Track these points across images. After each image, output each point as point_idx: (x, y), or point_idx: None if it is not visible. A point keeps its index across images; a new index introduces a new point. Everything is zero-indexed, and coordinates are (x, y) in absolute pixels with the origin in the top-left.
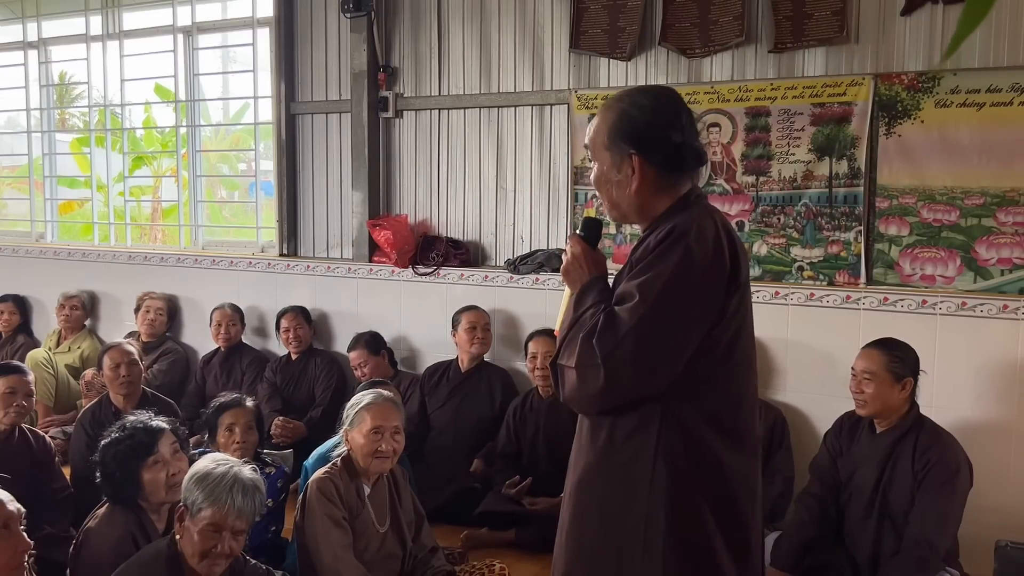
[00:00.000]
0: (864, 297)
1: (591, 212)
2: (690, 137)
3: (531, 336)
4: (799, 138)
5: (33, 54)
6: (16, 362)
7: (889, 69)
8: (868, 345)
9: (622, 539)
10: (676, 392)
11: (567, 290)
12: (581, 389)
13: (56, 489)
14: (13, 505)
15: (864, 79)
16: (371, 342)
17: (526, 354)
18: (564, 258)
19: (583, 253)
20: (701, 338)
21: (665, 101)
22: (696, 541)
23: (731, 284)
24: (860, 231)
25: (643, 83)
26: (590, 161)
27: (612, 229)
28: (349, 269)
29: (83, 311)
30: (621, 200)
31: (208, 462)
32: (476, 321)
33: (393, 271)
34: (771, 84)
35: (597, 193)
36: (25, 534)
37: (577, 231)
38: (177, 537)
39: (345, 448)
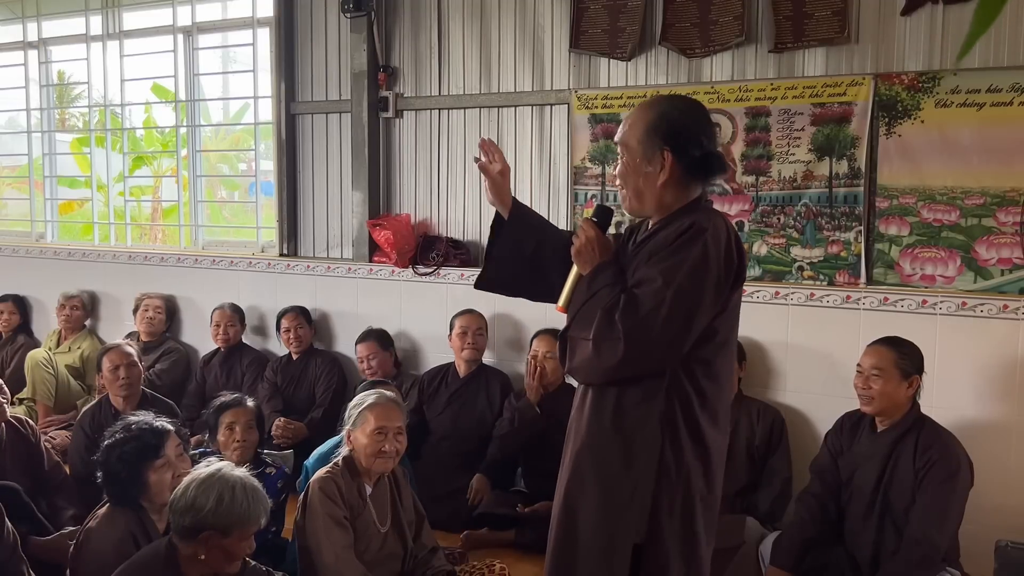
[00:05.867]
0: (864, 297)
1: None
2: (715, 147)
3: (536, 334)
4: (799, 138)
5: (33, 54)
6: None
7: (889, 69)
8: (875, 342)
9: (619, 499)
10: (678, 370)
11: (574, 269)
12: (596, 360)
13: (51, 469)
14: None
15: (864, 79)
16: (381, 337)
17: (530, 349)
18: (576, 240)
19: (597, 237)
20: (706, 324)
21: (701, 111)
22: (684, 503)
23: (736, 280)
24: (860, 231)
25: (643, 83)
26: (613, 162)
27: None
28: (349, 269)
29: (83, 311)
30: (646, 190)
31: (220, 483)
32: (467, 326)
33: (393, 271)
34: (771, 84)
35: (622, 184)
36: None
37: (591, 217)
38: (201, 557)
39: (346, 448)
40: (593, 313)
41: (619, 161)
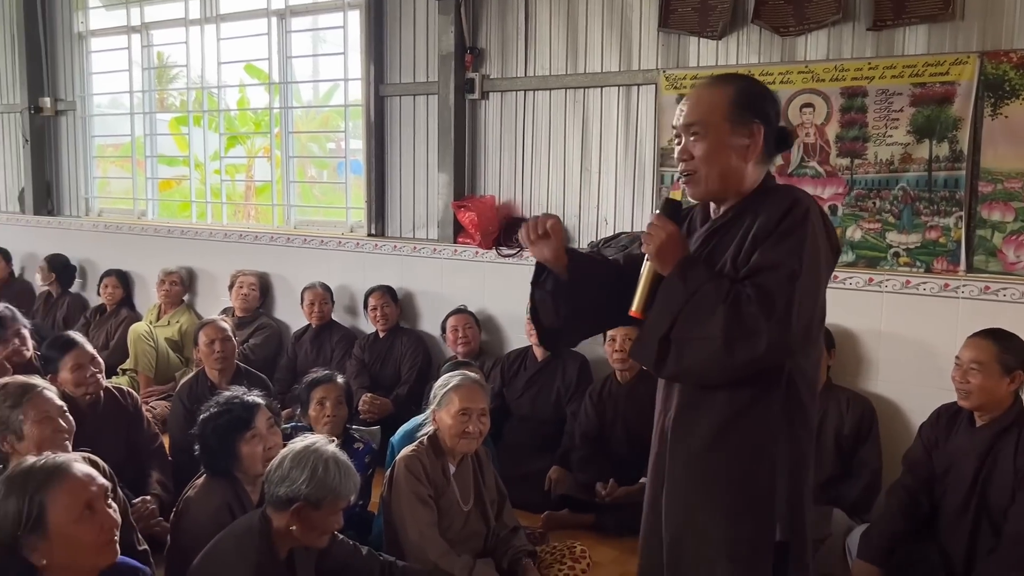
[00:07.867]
0: (964, 285)
1: (677, 194)
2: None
3: None
4: (897, 119)
5: (136, 38)
6: (68, 334)
7: (997, 47)
8: (976, 334)
9: (754, 501)
10: (797, 355)
11: (647, 268)
12: (727, 359)
13: (148, 438)
14: (96, 485)
15: (969, 57)
16: (470, 314)
17: (604, 337)
18: (653, 239)
19: (677, 232)
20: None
21: (769, 88)
22: (807, 489)
23: (835, 254)
24: (961, 216)
25: (734, 62)
26: (676, 141)
27: None
28: (434, 250)
29: (182, 287)
30: (738, 169)
31: (315, 456)
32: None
33: (477, 252)
34: (868, 63)
35: (701, 166)
36: (113, 511)
37: (662, 211)
38: (292, 528)
39: (431, 427)
40: (705, 310)
41: (692, 144)
